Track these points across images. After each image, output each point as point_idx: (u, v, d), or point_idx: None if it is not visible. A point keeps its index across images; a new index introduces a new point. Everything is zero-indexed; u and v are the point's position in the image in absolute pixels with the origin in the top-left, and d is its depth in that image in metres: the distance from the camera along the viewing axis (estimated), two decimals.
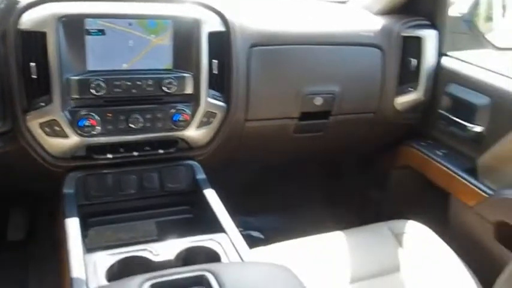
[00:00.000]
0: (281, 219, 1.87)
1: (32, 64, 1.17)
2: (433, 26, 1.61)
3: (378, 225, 1.46)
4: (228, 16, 1.35)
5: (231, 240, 1.11)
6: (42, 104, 1.20)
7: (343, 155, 1.97)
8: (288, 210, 1.90)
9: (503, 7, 2.01)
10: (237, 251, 1.08)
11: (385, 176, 1.83)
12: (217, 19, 1.34)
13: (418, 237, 1.40)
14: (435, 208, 1.60)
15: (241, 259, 1.06)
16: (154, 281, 0.85)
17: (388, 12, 1.66)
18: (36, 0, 1.18)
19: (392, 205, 1.80)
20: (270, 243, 1.34)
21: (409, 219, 1.46)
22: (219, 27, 1.33)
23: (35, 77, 1.18)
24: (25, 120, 1.21)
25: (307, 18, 1.59)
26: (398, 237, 1.40)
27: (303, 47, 1.48)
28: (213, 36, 1.32)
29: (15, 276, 1.69)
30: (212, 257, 1.08)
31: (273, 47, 1.44)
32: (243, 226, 1.99)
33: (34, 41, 1.17)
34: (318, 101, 1.52)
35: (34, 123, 1.22)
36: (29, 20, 1.17)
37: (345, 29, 1.57)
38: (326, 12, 1.71)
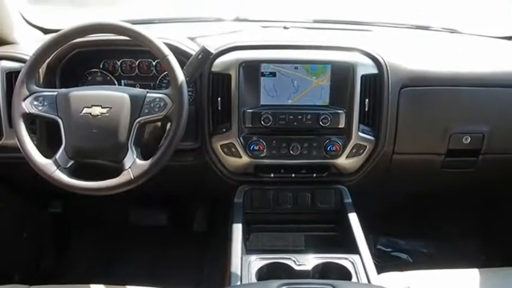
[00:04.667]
0: (429, 246, 1.88)
1: (219, 99, 1.46)
2: None
3: None
4: (381, 60, 1.46)
5: (362, 262, 1.25)
6: (224, 130, 1.48)
7: (499, 191, 1.90)
8: (437, 238, 1.90)
9: None
10: (366, 273, 1.22)
11: None
12: (371, 63, 1.46)
13: None
14: None
15: (369, 281, 1.20)
16: (286, 287, 1.00)
17: None
18: (225, 49, 1.47)
19: None
20: (416, 269, 1.38)
21: None
22: (372, 70, 1.46)
23: (219, 108, 1.47)
24: (210, 142, 1.51)
25: (462, 57, 1.60)
26: None
27: (453, 88, 1.51)
28: (366, 78, 1.45)
29: (195, 258, 2.04)
30: (344, 274, 1.23)
31: (422, 88, 1.50)
32: (392, 247, 2.08)
33: (221, 80, 1.46)
34: (466, 139, 1.53)
35: (217, 144, 1.50)
36: (218, 64, 1.46)
37: (501, 69, 1.55)
38: (485, 49, 1.70)
